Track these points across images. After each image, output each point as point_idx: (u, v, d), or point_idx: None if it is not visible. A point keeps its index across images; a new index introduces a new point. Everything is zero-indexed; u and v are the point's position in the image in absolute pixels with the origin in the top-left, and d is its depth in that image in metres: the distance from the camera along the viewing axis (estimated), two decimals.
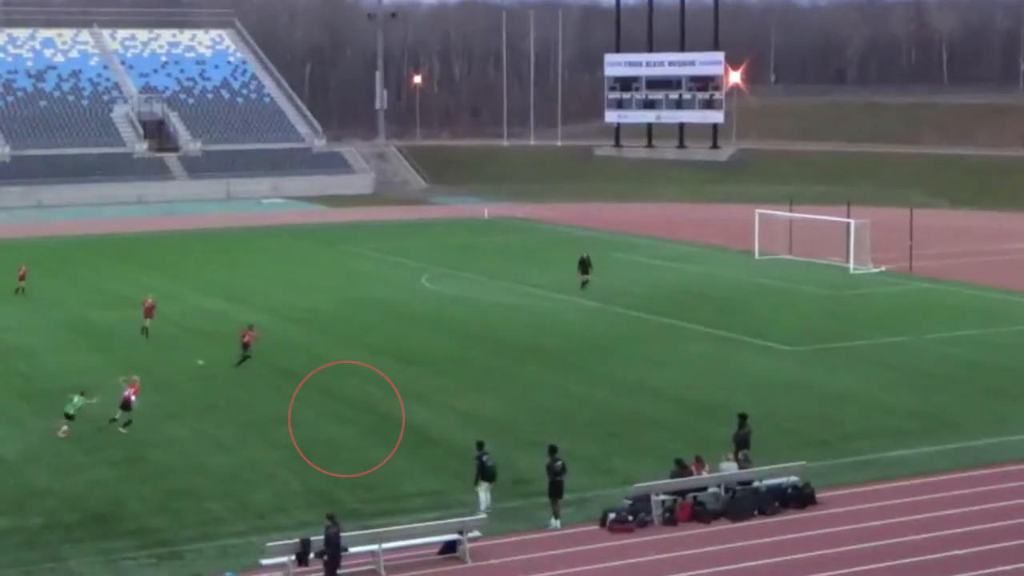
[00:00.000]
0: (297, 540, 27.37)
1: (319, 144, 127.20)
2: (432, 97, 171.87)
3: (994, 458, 34.98)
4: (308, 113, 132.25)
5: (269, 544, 27.43)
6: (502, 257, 76.68)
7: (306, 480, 33.51)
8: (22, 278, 62.53)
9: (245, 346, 46.31)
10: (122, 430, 37.50)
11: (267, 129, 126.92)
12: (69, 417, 37.52)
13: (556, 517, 30.13)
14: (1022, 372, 45.39)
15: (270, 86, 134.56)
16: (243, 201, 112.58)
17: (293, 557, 27.11)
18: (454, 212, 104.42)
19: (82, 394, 38.17)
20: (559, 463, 30.55)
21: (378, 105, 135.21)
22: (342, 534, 27.14)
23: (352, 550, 27.50)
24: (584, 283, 62.82)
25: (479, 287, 65.30)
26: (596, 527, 29.73)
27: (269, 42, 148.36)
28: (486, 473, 31.00)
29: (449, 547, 28.25)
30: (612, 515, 29.85)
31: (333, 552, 26.77)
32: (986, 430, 37.80)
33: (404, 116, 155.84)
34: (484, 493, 30.90)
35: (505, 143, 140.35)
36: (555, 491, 30.26)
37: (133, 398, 38.02)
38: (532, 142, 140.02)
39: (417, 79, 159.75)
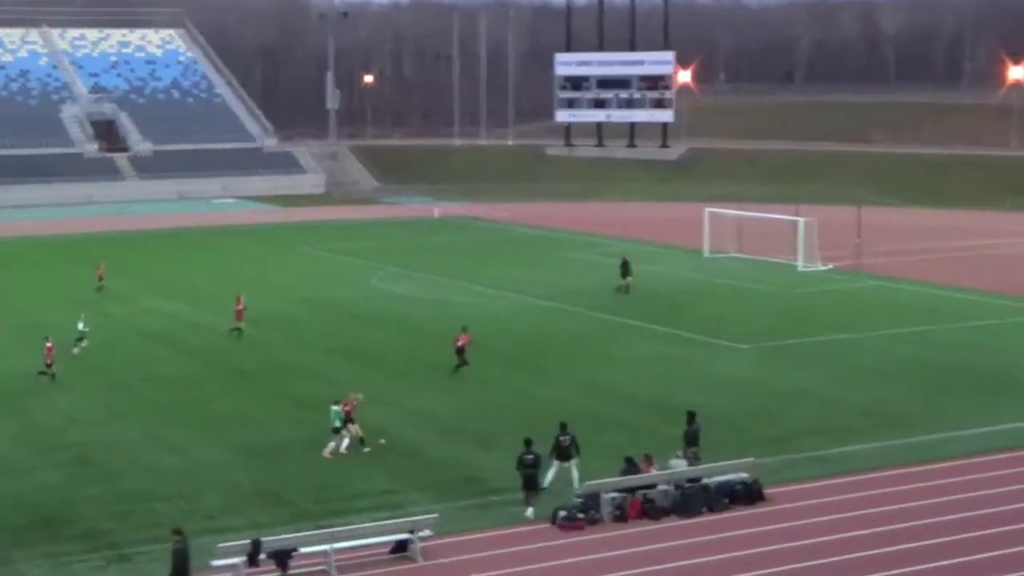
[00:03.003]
0: (248, 541, 27.34)
1: (270, 144, 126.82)
2: (383, 97, 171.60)
3: (939, 454, 35.36)
4: (259, 113, 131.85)
5: (220, 545, 27.37)
6: (454, 256, 76.76)
7: (257, 481, 33.47)
8: None
9: (460, 351, 45.19)
10: (365, 449, 36.10)
11: (218, 129, 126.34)
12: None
13: (529, 506, 30.46)
14: (966, 368, 45.95)
15: (221, 86, 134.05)
16: (194, 201, 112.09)
17: (244, 558, 27.07)
18: (406, 212, 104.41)
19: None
20: (530, 456, 30.76)
21: (329, 105, 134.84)
22: (295, 535, 27.17)
23: (303, 550, 27.49)
24: (624, 287, 61.63)
25: (431, 286, 65.37)
26: (547, 525, 29.87)
27: (220, 42, 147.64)
28: (560, 453, 31.98)
29: (400, 546, 28.28)
30: (563, 513, 30.00)
31: (182, 565, 25.78)
32: (931, 426, 38.21)
33: (356, 116, 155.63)
34: (552, 471, 31.80)
35: (456, 142, 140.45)
36: (528, 483, 30.55)
37: (353, 408, 36.44)
38: (483, 141, 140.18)
39: (368, 79, 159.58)
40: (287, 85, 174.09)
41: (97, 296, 61.47)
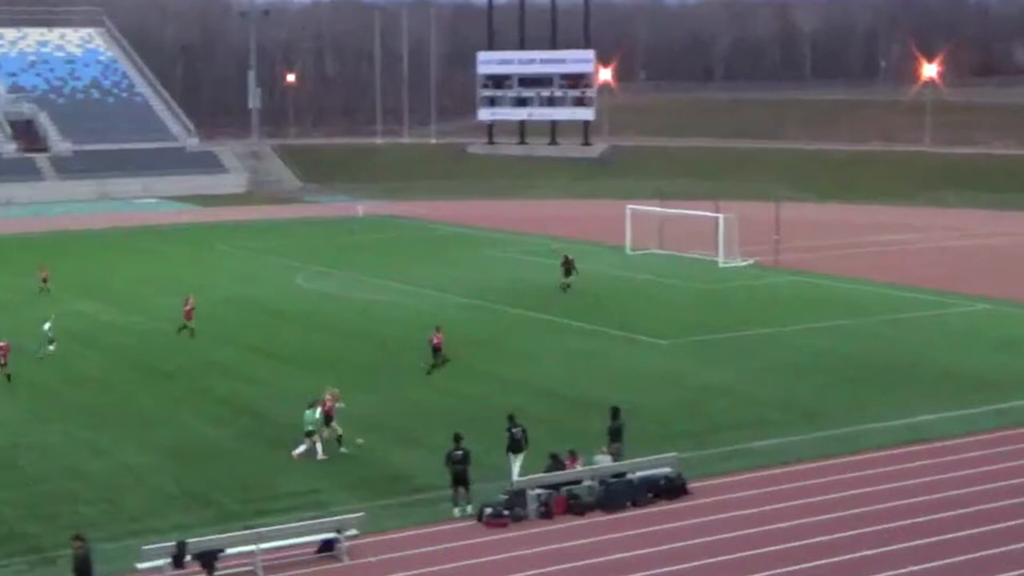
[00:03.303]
0: (173, 543, 27.27)
1: (192, 143, 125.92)
2: (305, 96, 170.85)
3: (856, 446, 35.93)
4: (180, 112, 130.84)
5: (144, 547, 27.27)
6: (377, 255, 76.76)
7: (182, 482, 33.39)
8: None
9: (436, 350, 45.10)
10: (342, 450, 35.89)
11: (139, 128, 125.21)
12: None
13: (456, 505, 30.64)
14: (882, 361, 46.72)
15: (141, 85, 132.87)
16: (115, 201, 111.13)
17: (169, 560, 27.00)
18: (329, 211, 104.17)
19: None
20: (459, 452, 30.98)
21: (251, 104, 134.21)
22: (221, 536, 27.16)
23: (229, 551, 27.43)
24: (565, 285, 61.58)
25: (354, 285, 65.36)
26: (473, 522, 30.08)
27: (140, 40, 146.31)
28: (515, 445, 32.32)
29: (327, 546, 28.33)
30: (488, 510, 30.21)
31: (85, 571, 25.45)
32: (848, 418, 38.82)
33: (278, 115, 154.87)
34: (515, 464, 32.03)
35: (379, 141, 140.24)
36: (457, 480, 30.70)
37: (332, 405, 36.16)
38: (406, 140, 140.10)
39: (290, 77, 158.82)
40: (208, 84, 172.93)
41: (38, 298, 61.09)
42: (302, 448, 35.25)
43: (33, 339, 48.49)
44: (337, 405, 36.38)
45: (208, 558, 27.18)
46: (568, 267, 62.13)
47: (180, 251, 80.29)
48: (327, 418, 35.70)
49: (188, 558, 27.08)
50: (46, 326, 48.37)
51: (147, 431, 38.21)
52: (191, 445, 36.72)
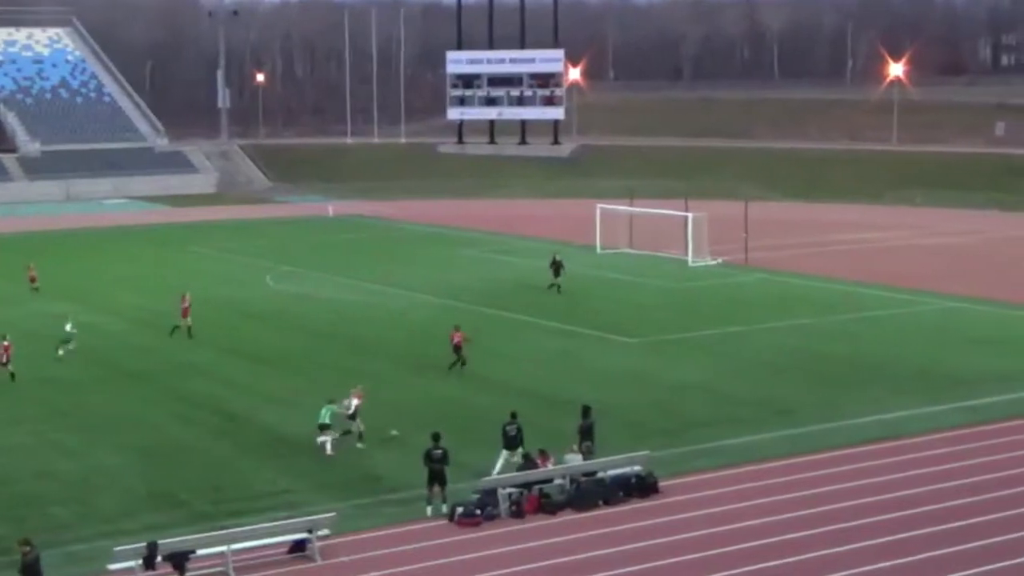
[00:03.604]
0: (144, 544, 27.21)
1: (161, 144, 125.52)
2: (275, 96, 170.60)
3: (826, 443, 36.15)
4: (149, 112, 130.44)
5: (116, 549, 27.23)
6: (347, 255, 76.71)
7: (153, 483, 33.33)
8: None
9: (456, 348, 45.02)
10: (359, 445, 36.08)
11: (108, 129, 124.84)
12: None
13: (429, 503, 30.69)
14: (852, 359, 47.01)
15: (110, 85, 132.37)
16: (84, 202, 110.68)
17: (140, 561, 26.95)
18: (299, 211, 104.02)
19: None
20: (438, 451, 31.01)
21: (220, 104, 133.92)
22: (192, 536, 27.13)
23: (201, 552, 27.39)
24: (553, 286, 61.37)
25: (324, 285, 65.30)
26: (444, 521, 30.12)
27: (108, 41, 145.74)
28: (509, 442, 32.80)
29: (298, 546, 28.33)
30: (460, 509, 30.27)
31: None
32: (818, 416, 39.05)
33: (247, 115, 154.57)
34: (501, 460, 32.64)
35: (349, 141, 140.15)
36: (433, 478, 30.73)
37: (356, 403, 36.53)
38: (376, 140, 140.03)
39: (260, 77, 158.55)
40: (177, 84, 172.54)
41: (28, 297, 61.40)
42: (323, 440, 35.46)
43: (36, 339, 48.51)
44: (356, 403, 36.48)
45: (179, 559, 27.15)
46: (557, 268, 62.12)
47: (150, 252, 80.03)
48: (354, 413, 36.09)
49: (159, 559, 27.03)
50: (68, 326, 48.60)
51: (118, 432, 38.12)
52: (162, 446, 36.65)
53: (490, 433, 36.89)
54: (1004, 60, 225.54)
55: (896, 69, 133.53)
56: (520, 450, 32.95)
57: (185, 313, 51.66)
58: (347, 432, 36.07)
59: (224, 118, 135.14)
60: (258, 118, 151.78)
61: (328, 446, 35.41)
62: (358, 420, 36.19)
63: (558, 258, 62.74)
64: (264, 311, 58.11)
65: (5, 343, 44.98)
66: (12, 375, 44.33)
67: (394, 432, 36.66)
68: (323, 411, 35.93)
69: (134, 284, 66.43)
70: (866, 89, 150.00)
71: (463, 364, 44.83)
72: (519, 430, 33.27)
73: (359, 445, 35.91)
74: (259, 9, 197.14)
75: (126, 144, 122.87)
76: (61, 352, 47.80)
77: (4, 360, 44.56)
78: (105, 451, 36.31)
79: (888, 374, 44.54)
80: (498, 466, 32.72)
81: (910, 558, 27.53)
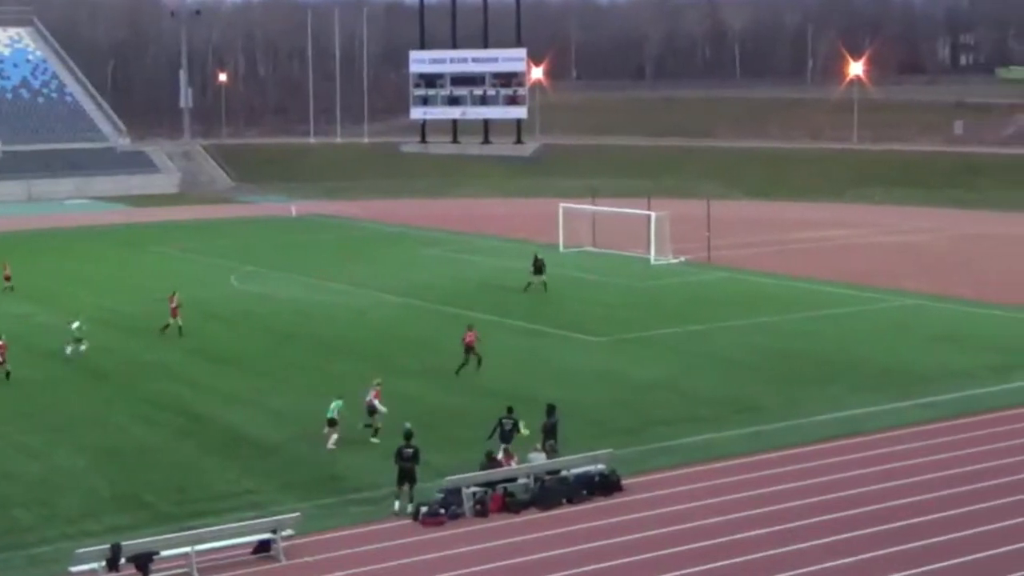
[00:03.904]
0: (107, 546, 27.15)
1: (123, 144, 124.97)
2: (238, 95, 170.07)
3: (790, 440, 36.40)
4: (111, 112, 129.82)
5: (78, 551, 27.16)
6: (310, 255, 76.63)
7: (116, 484, 33.25)
8: None
9: (469, 348, 44.73)
10: (374, 439, 36.31)
11: (69, 129, 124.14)
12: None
13: (398, 498, 30.75)
14: (815, 356, 47.34)
15: (72, 85, 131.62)
16: (46, 203, 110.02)
17: (103, 563, 26.90)
18: (262, 210, 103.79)
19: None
20: (409, 450, 31.07)
21: (183, 104, 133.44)
22: (156, 538, 27.08)
23: (164, 553, 27.33)
24: (529, 285, 61.40)
25: (288, 285, 65.22)
26: (409, 521, 30.17)
27: (70, 40, 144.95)
28: (505, 436, 33.29)
29: (263, 546, 28.33)
30: (424, 508, 30.33)
31: None
32: (782, 413, 39.30)
33: (210, 114, 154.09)
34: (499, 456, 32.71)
35: (312, 140, 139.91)
36: (403, 477, 30.76)
37: (376, 401, 36.91)
38: (339, 139, 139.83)
39: (222, 77, 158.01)
40: (139, 84, 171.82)
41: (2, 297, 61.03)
42: (332, 435, 35.94)
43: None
44: (376, 401, 36.92)
45: (143, 560, 27.10)
46: (539, 266, 62.20)
47: (113, 252, 79.72)
48: (371, 409, 36.45)
49: (123, 561, 26.96)
50: (75, 325, 48.49)
51: (81, 433, 38.00)
52: (125, 447, 36.56)
53: (454, 432, 37.09)
54: (962, 60, 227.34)
55: (856, 68, 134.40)
56: (510, 446, 33.32)
57: (174, 312, 51.96)
58: (368, 426, 36.49)
59: (187, 118, 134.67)
60: (221, 118, 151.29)
61: (331, 441, 35.76)
62: (377, 414, 36.60)
63: (540, 257, 62.90)
64: (228, 311, 58.00)
65: (1, 342, 45.01)
66: (8, 374, 44.38)
67: (407, 425, 36.90)
68: (332, 406, 36.32)
69: (97, 285, 66.18)
70: (827, 88, 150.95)
71: (479, 363, 44.66)
72: (515, 424, 33.72)
73: (374, 440, 36.07)
74: (222, 8, 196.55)
75: (88, 144, 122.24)
76: (69, 350, 47.76)
77: (0, 360, 44.66)
78: (68, 452, 36.19)
79: (849, 371, 44.88)
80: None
81: (875, 552, 27.77)
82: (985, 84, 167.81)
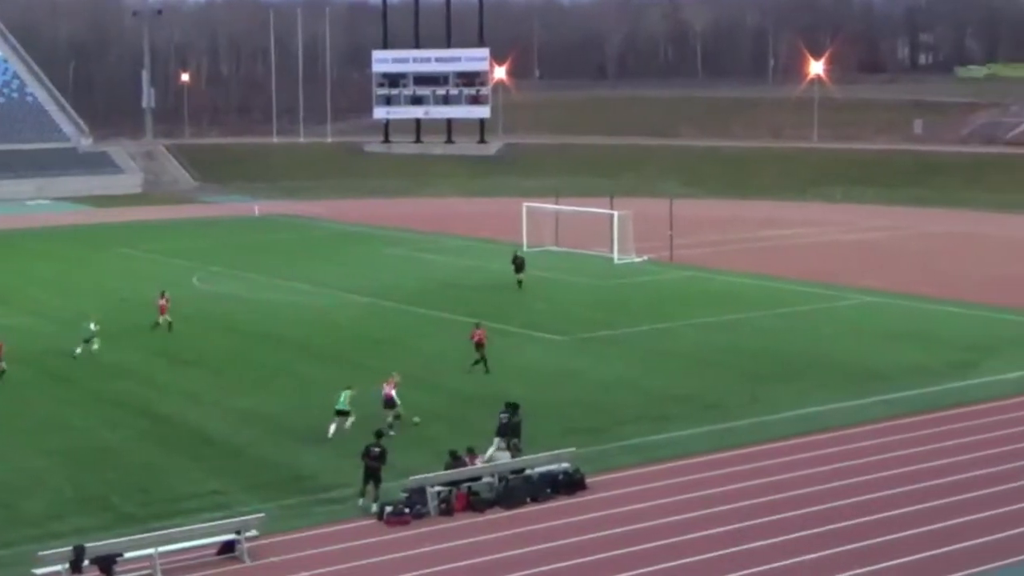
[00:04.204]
0: (71, 548, 27.06)
1: (85, 144, 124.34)
2: (200, 95, 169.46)
3: (754, 438, 36.63)
4: (73, 112, 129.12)
5: (42, 553, 27.08)
6: (274, 255, 76.48)
7: (80, 486, 33.15)
8: None
9: (479, 346, 44.83)
10: (391, 432, 36.31)
11: (31, 129, 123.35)
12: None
13: (362, 496, 30.85)
14: (778, 354, 47.62)
15: (33, 85, 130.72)
16: (7, 203, 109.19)
17: (67, 565, 26.82)
18: (225, 210, 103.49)
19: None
20: (377, 449, 31.14)
21: (145, 103, 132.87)
22: (119, 540, 27.03)
23: (128, 555, 27.27)
24: (521, 283, 61.82)
25: (252, 285, 65.09)
26: (374, 521, 30.22)
27: (31, 39, 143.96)
28: (501, 429, 33.70)
29: (227, 547, 28.32)
30: (388, 508, 30.37)
31: None
32: (746, 411, 39.53)
33: (172, 114, 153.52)
34: (491, 448, 33.16)
35: (275, 140, 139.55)
36: (368, 475, 30.85)
37: (394, 393, 37.41)
38: (302, 139, 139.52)
39: (185, 77, 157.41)
40: (101, 84, 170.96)
41: None
42: (342, 423, 36.63)
43: None
44: (386, 389, 37.49)
45: (106, 562, 27.03)
46: (519, 265, 62.25)
47: (75, 253, 79.36)
48: (388, 401, 37.14)
49: (86, 563, 26.89)
50: (92, 325, 48.42)
51: (44, 435, 37.84)
52: (89, 448, 36.45)
53: (418, 432, 37.13)
54: (922, 59, 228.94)
55: (816, 68, 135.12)
56: (505, 440, 33.75)
57: (163, 310, 52.43)
58: (397, 417, 37.03)
59: (149, 118, 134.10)
60: (183, 118, 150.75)
61: (332, 428, 36.56)
62: (397, 407, 37.24)
63: (520, 255, 63.07)
64: (191, 312, 57.68)
65: None
66: (2, 372, 44.54)
67: (416, 419, 37.66)
68: (341, 396, 36.96)
69: (60, 286, 65.89)
70: (788, 87, 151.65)
71: (484, 363, 44.68)
72: (512, 421, 34.14)
73: (391, 433, 36.23)
74: (184, 8, 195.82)
75: (50, 144, 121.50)
76: (79, 350, 47.76)
77: None
78: (31, 454, 36.02)
79: (811, 369, 45.19)
80: (488, 452, 33.17)
81: (842, 548, 28.00)
82: (944, 83, 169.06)
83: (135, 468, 34.56)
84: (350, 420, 36.70)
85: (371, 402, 37.41)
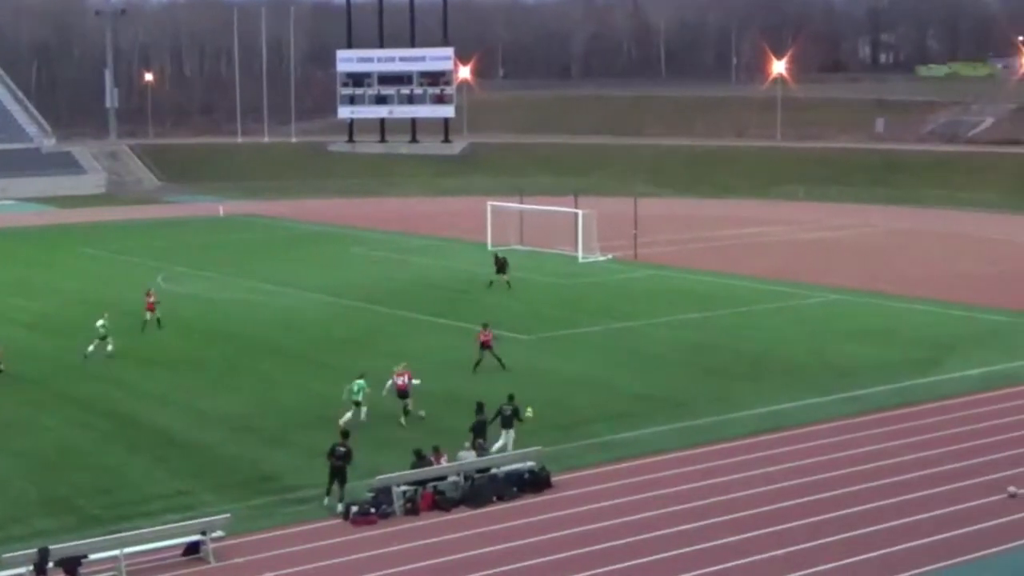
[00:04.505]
0: (35, 550, 26.94)
1: (48, 144, 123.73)
2: (164, 95, 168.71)
3: (717, 435, 36.84)
4: (36, 113, 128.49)
5: (5, 555, 26.95)
6: (239, 255, 76.31)
7: (44, 488, 33.02)
8: None
9: (485, 346, 45.08)
10: (402, 422, 37.80)
11: None
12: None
13: (328, 495, 30.86)
14: (742, 352, 47.86)
15: None
16: None
17: (31, 567, 26.70)
18: (190, 211, 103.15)
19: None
20: (342, 449, 31.16)
21: (108, 103, 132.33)
22: (84, 541, 26.95)
23: (93, 557, 27.19)
24: (492, 283, 61.82)
25: (217, 285, 64.92)
26: (339, 521, 30.24)
27: None
28: (505, 421, 34.70)
29: (193, 548, 28.28)
30: (355, 508, 30.40)
31: None
32: (709, 409, 39.73)
33: (136, 114, 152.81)
34: (501, 440, 34.40)
35: (239, 140, 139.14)
36: (334, 475, 30.88)
37: (407, 381, 38.37)
38: (266, 139, 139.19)
39: (148, 77, 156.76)
40: (64, 84, 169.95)
41: None
42: (348, 416, 37.25)
43: None
44: (414, 382, 38.43)
45: (71, 564, 26.96)
46: (501, 265, 62.24)
47: (39, 254, 78.92)
48: (402, 393, 38.10)
49: (51, 565, 26.80)
50: (99, 323, 48.39)
51: (8, 437, 37.62)
52: (53, 450, 36.29)
53: (384, 432, 37.15)
54: (883, 58, 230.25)
55: (779, 67, 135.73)
56: (512, 429, 34.65)
57: (151, 307, 52.75)
58: (408, 411, 37.99)
59: (112, 118, 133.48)
60: (147, 118, 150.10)
61: (348, 416, 37.19)
62: (410, 398, 38.22)
63: (501, 256, 63.13)
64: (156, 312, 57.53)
65: None
66: (1, 371, 44.76)
67: (421, 413, 38.39)
68: (354, 385, 37.74)
69: (23, 287, 65.49)
70: (751, 87, 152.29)
71: (499, 361, 44.92)
72: (514, 410, 34.85)
73: (402, 421, 37.73)
74: (147, 7, 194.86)
75: (13, 145, 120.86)
76: (91, 348, 47.77)
77: None
78: None
79: (775, 366, 45.45)
80: (497, 444, 34.23)
81: (809, 544, 28.19)
82: (905, 82, 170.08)
83: (100, 469, 34.46)
84: (364, 410, 37.50)
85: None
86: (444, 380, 43.87)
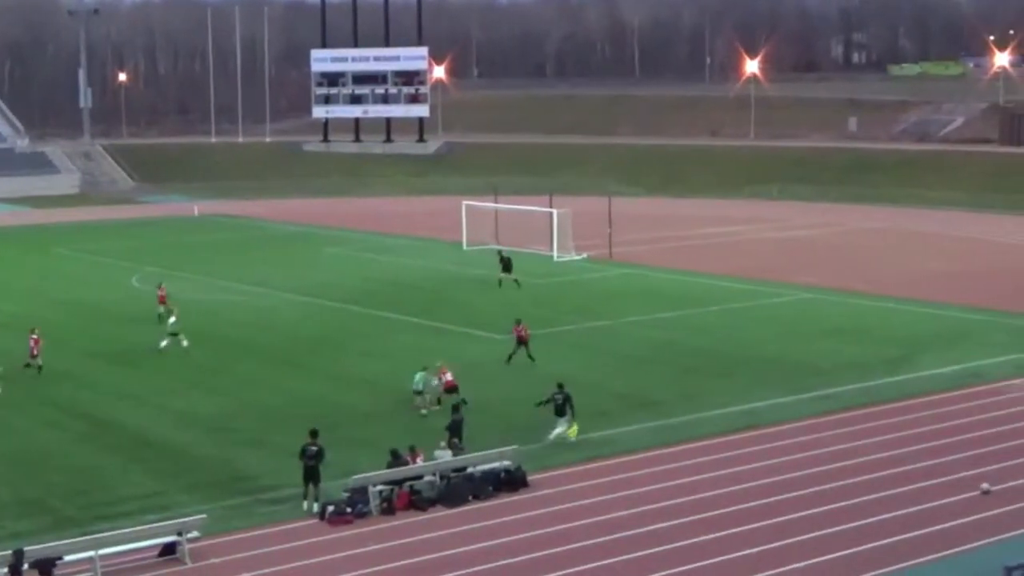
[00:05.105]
0: (9, 552, 26.86)
1: (21, 144, 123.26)
2: (138, 95, 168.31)
3: (691, 434, 37.00)
4: (9, 112, 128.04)
5: None
6: (214, 255, 76.24)
7: (18, 489, 32.99)
8: None
9: (521, 341, 45.80)
10: (428, 407, 39.24)
11: None
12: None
13: (305, 498, 30.87)
14: (715, 351, 48.07)
15: None
16: None
17: (6, 569, 26.63)
18: (164, 211, 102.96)
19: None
20: (313, 448, 31.19)
21: (82, 103, 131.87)
22: (59, 543, 26.94)
23: (68, 558, 27.17)
24: (502, 281, 61.85)
25: (191, 285, 64.78)
26: (316, 520, 30.31)
27: None
28: (558, 410, 35.68)
29: (168, 549, 28.29)
30: (331, 508, 30.47)
31: None
32: (684, 407, 39.90)
33: (110, 114, 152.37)
34: (558, 428, 35.66)
35: (213, 140, 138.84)
36: (307, 476, 30.92)
37: (449, 377, 39.85)
38: (241, 139, 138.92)
39: (122, 76, 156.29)
40: (38, 84, 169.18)
41: None
42: (419, 405, 39.32)
43: None
44: (447, 377, 39.78)
45: (46, 566, 26.94)
46: (507, 264, 62.26)
47: (13, 254, 78.68)
48: (450, 388, 39.35)
49: (25, 566, 26.74)
50: (171, 320, 49.41)
51: None
52: (27, 451, 36.24)
53: (360, 432, 37.24)
54: (855, 58, 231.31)
55: (752, 66, 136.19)
56: (567, 417, 35.82)
57: (163, 300, 53.86)
58: (465, 401, 37.94)
59: (86, 118, 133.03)
60: (121, 117, 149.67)
61: (422, 407, 39.13)
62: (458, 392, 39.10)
63: (505, 255, 63.21)
64: (129, 313, 57.52)
65: (34, 337, 45.74)
66: (39, 368, 45.14)
67: (424, 412, 39.06)
68: (416, 377, 39.60)
69: None
70: (724, 86, 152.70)
71: (529, 356, 45.50)
72: (566, 398, 35.84)
73: (423, 412, 38.97)
74: (121, 7, 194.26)
75: None
76: (164, 344, 48.63)
77: (34, 354, 45.49)
78: None
79: (748, 365, 45.65)
80: (554, 433, 35.66)
81: (784, 542, 28.38)
82: (877, 81, 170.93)
83: (75, 471, 34.43)
84: (427, 397, 39.37)
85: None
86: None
